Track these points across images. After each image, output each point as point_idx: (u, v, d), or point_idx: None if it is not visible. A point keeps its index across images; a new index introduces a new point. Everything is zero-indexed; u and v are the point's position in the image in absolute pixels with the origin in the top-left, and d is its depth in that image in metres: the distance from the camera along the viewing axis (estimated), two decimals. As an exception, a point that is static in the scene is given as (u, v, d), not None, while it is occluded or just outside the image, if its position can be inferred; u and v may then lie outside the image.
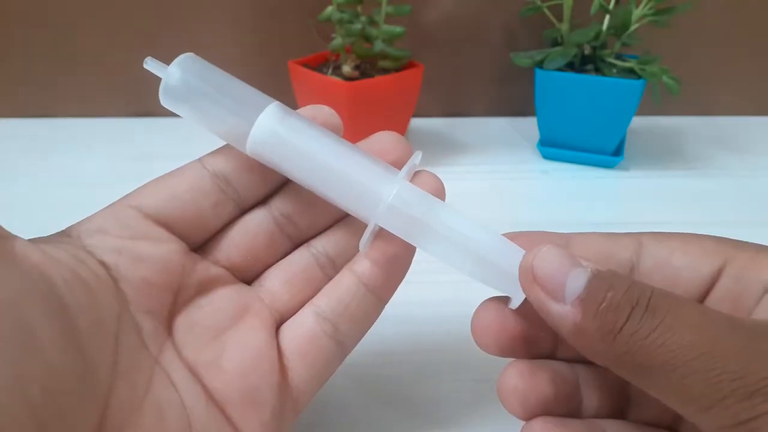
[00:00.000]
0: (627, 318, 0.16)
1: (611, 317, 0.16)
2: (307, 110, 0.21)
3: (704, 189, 0.45)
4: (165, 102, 0.19)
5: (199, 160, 0.21)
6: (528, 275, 0.17)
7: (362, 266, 0.21)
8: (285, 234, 0.21)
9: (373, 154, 0.20)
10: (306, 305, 0.21)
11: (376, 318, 0.21)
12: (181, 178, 0.20)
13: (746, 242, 0.19)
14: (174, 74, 0.19)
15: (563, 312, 0.16)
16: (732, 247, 0.19)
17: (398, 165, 0.20)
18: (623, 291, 0.16)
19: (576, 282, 0.16)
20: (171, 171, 0.20)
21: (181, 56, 0.19)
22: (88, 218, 0.19)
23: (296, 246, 0.22)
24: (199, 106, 0.19)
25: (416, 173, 0.21)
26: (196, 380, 0.19)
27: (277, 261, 0.22)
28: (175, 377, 0.18)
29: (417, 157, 0.20)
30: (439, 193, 0.20)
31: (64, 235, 0.18)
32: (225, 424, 0.19)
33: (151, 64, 0.19)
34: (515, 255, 0.18)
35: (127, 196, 0.20)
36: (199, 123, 0.20)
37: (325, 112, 0.21)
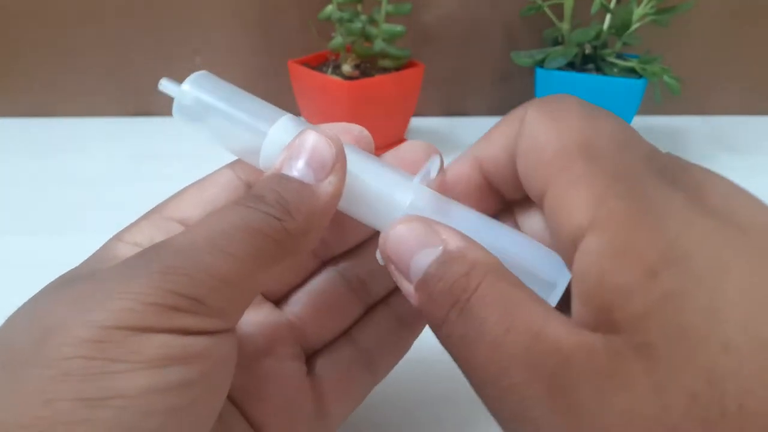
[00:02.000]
0: (444, 318, 0.15)
1: (436, 310, 0.15)
2: (336, 128, 0.20)
3: (705, 188, 0.45)
4: (180, 121, 0.19)
5: (231, 167, 0.20)
6: (382, 249, 0.17)
7: (397, 300, 0.21)
8: (311, 252, 0.21)
9: (402, 163, 0.19)
10: (343, 336, 0.21)
11: (409, 348, 0.22)
12: (218, 189, 0.19)
13: (605, 144, 0.15)
14: (187, 94, 0.19)
15: (409, 291, 0.16)
16: (563, 162, 0.15)
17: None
18: (450, 284, 0.15)
19: (419, 264, 0.16)
20: (204, 179, 0.20)
21: (194, 74, 0.19)
22: (134, 230, 0.18)
23: (323, 263, 0.21)
24: (212, 124, 0.19)
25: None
26: (236, 408, 0.19)
27: (304, 280, 0.21)
28: (221, 408, 0.18)
29: (436, 161, 0.19)
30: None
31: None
32: None
33: (165, 86, 0.19)
34: (545, 257, 0.17)
35: (164, 205, 0.19)
36: (213, 140, 0.19)
37: (354, 132, 0.20)
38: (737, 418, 0.11)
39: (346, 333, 0.21)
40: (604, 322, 0.13)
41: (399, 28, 0.45)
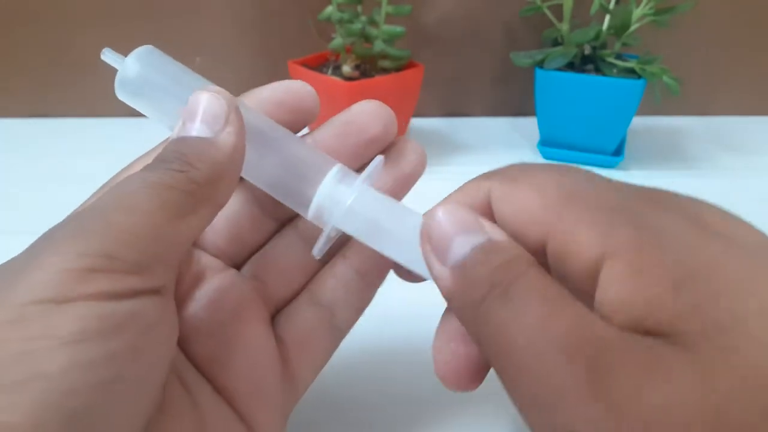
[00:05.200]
0: (482, 299, 0.15)
1: (473, 291, 0.15)
2: (277, 88, 0.20)
3: (704, 189, 0.44)
4: (121, 95, 0.19)
5: None
6: (424, 232, 0.17)
7: (353, 253, 0.21)
8: (268, 214, 0.21)
9: (354, 129, 0.20)
10: (302, 293, 0.21)
11: (370, 301, 0.22)
12: None
13: (584, 188, 0.16)
14: (131, 67, 0.18)
15: (442, 274, 0.16)
16: (557, 210, 0.16)
17: (383, 137, 0.20)
18: (492, 267, 0.15)
19: (460, 248, 0.16)
20: (153, 150, 0.20)
21: (140, 48, 0.19)
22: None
23: (281, 224, 0.22)
24: (156, 101, 0.19)
25: (396, 143, 0.20)
26: (203, 378, 0.19)
27: (263, 242, 0.21)
28: (184, 376, 0.18)
29: (377, 161, 0.19)
30: (420, 166, 0.21)
31: None
32: (235, 419, 0.18)
33: (108, 56, 0.19)
34: None
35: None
36: (156, 118, 0.19)
37: (294, 89, 0.20)
38: None
39: (306, 290, 0.21)
40: (641, 325, 0.13)
41: (399, 29, 0.45)
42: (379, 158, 0.19)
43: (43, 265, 0.13)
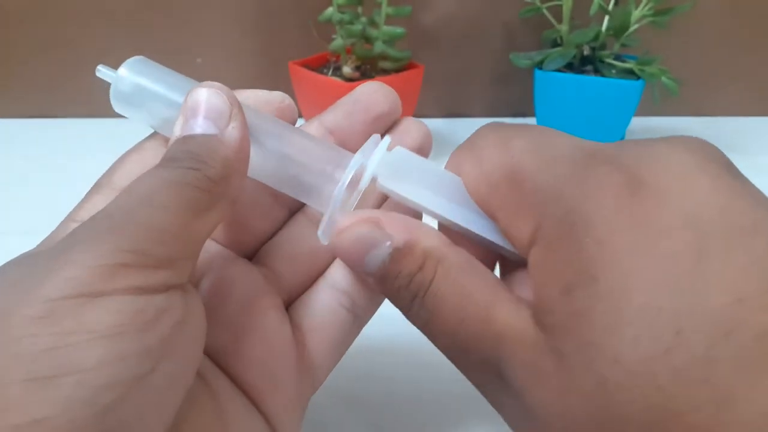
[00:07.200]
0: (408, 308, 0.17)
1: (399, 301, 0.17)
2: (256, 97, 0.20)
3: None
4: (117, 108, 0.19)
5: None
6: (335, 253, 0.18)
7: None
8: (279, 202, 0.21)
9: (361, 108, 0.21)
10: (320, 279, 0.21)
11: None
12: (159, 156, 0.19)
13: (528, 164, 0.16)
14: (124, 79, 0.18)
15: (369, 281, 0.17)
16: (500, 193, 0.17)
17: (388, 115, 0.21)
18: (407, 280, 0.17)
19: (372, 264, 0.17)
20: (142, 144, 0.20)
21: (130, 59, 0.19)
22: (88, 206, 0.19)
23: (291, 213, 0.21)
24: (152, 110, 0.19)
25: (400, 122, 0.21)
26: (218, 368, 0.18)
27: (275, 230, 0.21)
28: (201, 367, 0.18)
29: (373, 138, 0.19)
30: (426, 143, 0.21)
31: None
32: (251, 408, 0.18)
33: (102, 72, 0.19)
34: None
35: (110, 177, 0.20)
36: (154, 126, 0.19)
37: (275, 100, 0.20)
38: (621, 423, 0.13)
39: (323, 275, 0.21)
40: (539, 321, 0.15)
41: (399, 30, 0.45)
42: (375, 136, 0.19)
43: (74, 261, 0.13)
